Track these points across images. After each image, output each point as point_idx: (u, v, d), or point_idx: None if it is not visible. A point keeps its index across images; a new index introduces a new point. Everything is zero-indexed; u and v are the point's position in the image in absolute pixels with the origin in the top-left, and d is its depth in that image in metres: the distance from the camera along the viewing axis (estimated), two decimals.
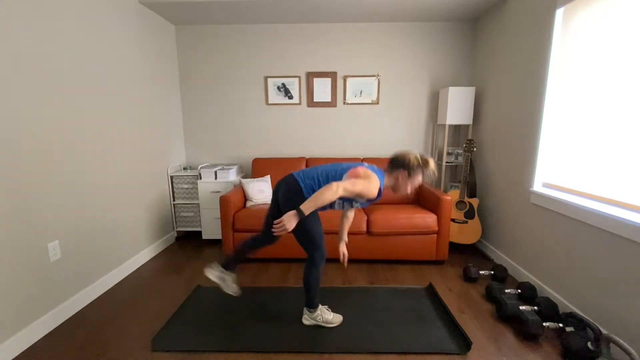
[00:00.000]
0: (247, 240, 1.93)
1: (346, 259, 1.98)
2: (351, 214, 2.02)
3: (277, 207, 1.78)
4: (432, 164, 1.64)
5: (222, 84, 3.34)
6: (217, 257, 2.86)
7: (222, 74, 3.32)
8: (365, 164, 1.70)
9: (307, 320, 1.86)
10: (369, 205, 1.72)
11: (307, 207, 1.49)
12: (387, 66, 3.25)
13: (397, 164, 1.65)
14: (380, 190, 1.60)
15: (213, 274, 1.90)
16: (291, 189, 1.67)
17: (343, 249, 1.98)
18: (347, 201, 1.68)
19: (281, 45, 3.25)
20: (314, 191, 1.63)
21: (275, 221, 1.53)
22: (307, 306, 1.84)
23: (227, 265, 1.93)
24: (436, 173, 1.59)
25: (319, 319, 1.83)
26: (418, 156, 1.63)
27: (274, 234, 1.56)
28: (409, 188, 1.66)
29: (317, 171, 1.69)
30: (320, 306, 1.86)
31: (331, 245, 2.63)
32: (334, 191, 1.47)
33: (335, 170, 1.67)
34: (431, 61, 3.23)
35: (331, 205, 1.69)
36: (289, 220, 1.49)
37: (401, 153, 1.66)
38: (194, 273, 2.54)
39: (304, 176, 1.69)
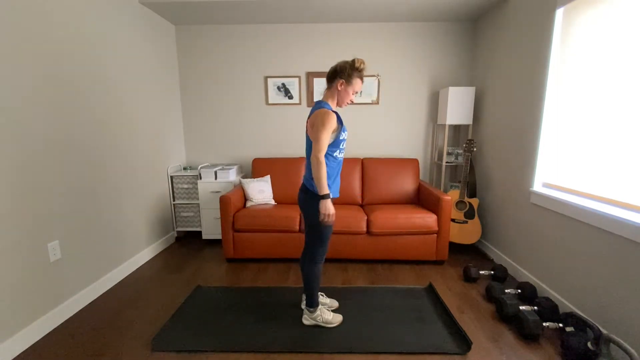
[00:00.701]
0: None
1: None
2: None
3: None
4: (362, 62, 1.61)
5: (222, 84, 3.34)
6: (216, 257, 2.86)
7: (222, 74, 3.32)
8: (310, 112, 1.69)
9: (307, 320, 1.86)
10: (345, 135, 1.69)
11: (321, 190, 1.58)
12: (387, 66, 3.25)
13: (332, 76, 1.65)
14: (337, 115, 1.61)
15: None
16: (302, 192, 1.74)
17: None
18: (333, 149, 1.65)
19: (281, 45, 3.25)
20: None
21: (320, 220, 1.62)
22: (307, 305, 1.84)
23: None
24: (365, 63, 1.62)
25: (319, 319, 1.83)
26: (348, 60, 1.63)
27: (328, 224, 1.65)
28: (351, 94, 1.66)
29: (307, 161, 1.75)
30: (320, 306, 1.86)
31: (332, 244, 2.63)
32: (316, 162, 1.55)
33: (308, 147, 1.70)
34: (431, 61, 3.23)
35: (338, 166, 1.71)
36: (324, 208, 1.59)
37: (333, 66, 1.66)
38: (194, 273, 2.54)
39: (308, 176, 1.72)
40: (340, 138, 1.65)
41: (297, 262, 2.73)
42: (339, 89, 1.65)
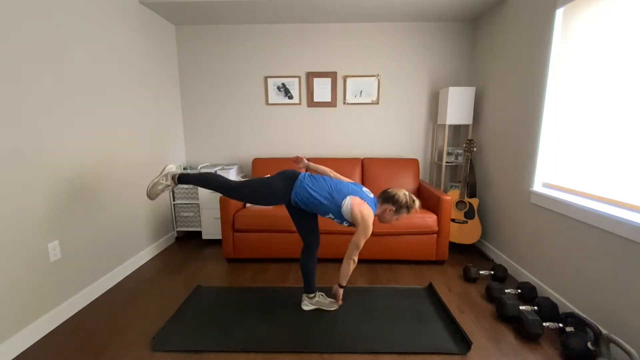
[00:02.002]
0: (302, 258, 1.96)
1: (340, 299, 2.04)
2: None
3: (298, 214, 1.91)
4: (417, 204, 1.82)
5: (222, 84, 3.34)
6: (216, 257, 2.86)
7: (222, 74, 3.32)
8: (364, 188, 1.86)
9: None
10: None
11: (344, 280, 1.88)
12: (387, 66, 3.25)
13: (387, 199, 1.82)
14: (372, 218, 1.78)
15: (307, 305, 1.99)
16: (309, 199, 1.80)
17: (338, 291, 2.02)
18: (342, 219, 1.81)
19: (281, 45, 3.25)
20: (329, 195, 1.77)
21: (336, 300, 1.98)
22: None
23: (309, 290, 1.99)
24: (418, 211, 1.95)
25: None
26: (407, 196, 1.81)
27: (337, 301, 1.97)
28: (393, 221, 1.87)
29: (326, 183, 1.83)
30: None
31: (331, 244, 2.63)
32: (353, 263, 1.80)
33: (339, 189, 1.79)
34: (431, 61, 3.23)
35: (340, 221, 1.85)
36: (339, 295, 1.96)
37: (393, 190, 1.84)
38: (194, 273, 2.54)
39: (312, 181, 1.82)
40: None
41: (297, 262, 2.73)
42: (386, 212, 1.83)
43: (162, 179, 1.92)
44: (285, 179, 1.81)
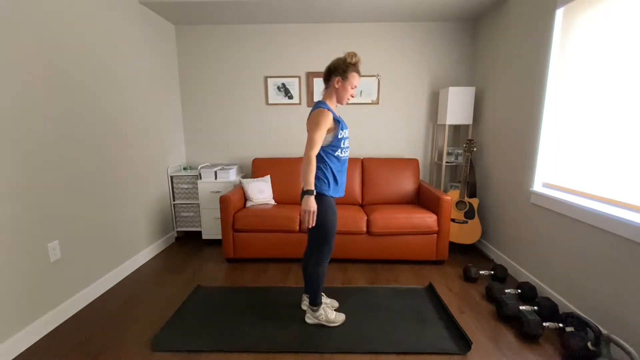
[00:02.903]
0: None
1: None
2: None
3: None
4: (354, 57, 1.61)
5: (222, 83, 3.34)
6: (216, 257, 2.86)
7: (222, 74, 3.32)
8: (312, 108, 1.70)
9: (310, 319, 1.87)
10: (346, 133, 1.70)
11: (306, 185, 1.56)
12: (387, 66, 3.25)
13: (327, 75, 1.66)
14: (333, 114, 1.61)
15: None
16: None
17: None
18: (334, 148, 1.67)
19: (281, 45, 3.25)
20: (325, 175, 1.68)
21: (300, 218, 1.56)
22: (310, 304, 1.84)
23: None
24: (357, 56, 1.61)
25: (322, 318, 1.83)
26: (343, 56, 1.63)
27: (310, 226, 1.61)
28: (350, 89, 1.65)
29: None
30: (323, 305, 1.86)
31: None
32: (307, 157, 1.55)
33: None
34: (431, 61, 3.23)
35: (342, 166, 1.71)
36: (307, 204, 1.56)
37: (328, 65, 1.67)
38: (194, 273, 2.54)
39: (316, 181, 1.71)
40: (340, 137, 1.66)
41: (298, 262, 2.73)
42: (336, 86, 1.65)
43: (317, 319, 1.85)
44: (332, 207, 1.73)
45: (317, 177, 1.69)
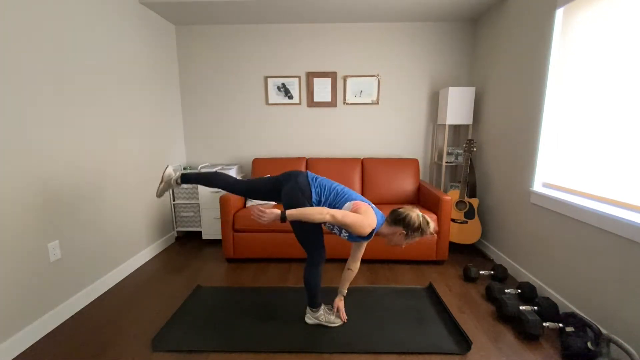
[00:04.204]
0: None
1: (343, 314, 1.89)
2: (354, 267, 1.91)
3: (274, 190, 1.81)
4: (432, 226, 1.61)
5: (222, 84, 3.34)
6: (216, 257, 2.86)
7: (222, 74, 3.32)
8: (372, 205, 1.68)
9: (309, 319, 1.86)
10: (358, 242, 1.72)
11: (292, 215, 1.50)
12: (387, 66, 3.25)
13: (398, 220, 1.61)
14: (372, 232, 1.60)
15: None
16: (301, 188, 1.69)
17: (339, 303, 1.91)
18: (336, 227, 1.70)
19: (281, 45, 3.25)
20: (318, 201, 1.68)
21: (260, 208, 1.52)
22: (309, 305, 1.84)
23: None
24: (435, 235, 1.64)
25: (322, 318, 1.84)
26: (421, 217, 1.60)
27: (251, 216, 1.58)
28: (404, 245, 1.66)
29: (330, 184, 1.73)
30: (322, 306, 1.87)
31: (332, 245, 2.63)
32: (321, 215, 1.49)
33: (344, 194, 1.68)
34: (431, 61, 3.23)
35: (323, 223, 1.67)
36: (269, 217, 1.51)
37: (405, 210, 1.63)
38: (194, 273, 2.54)
39: (317, 183, 1.72)
40: (358, 237, 1.65)
41: (298, 262, 2.73)
42: (396, 234, 1.62)
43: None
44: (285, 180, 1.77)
45: (317, 197, 1.68)
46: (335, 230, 1.72)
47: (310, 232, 1.72)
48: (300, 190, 1.68)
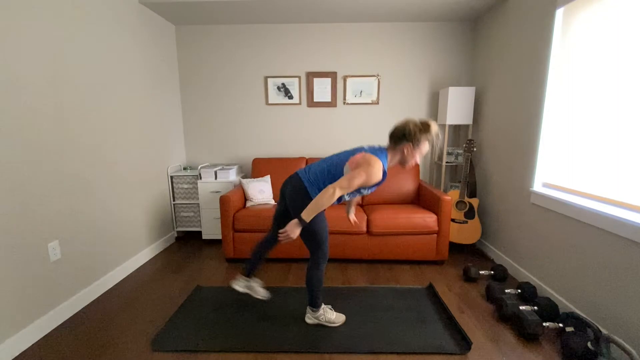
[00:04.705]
0: (259, 244, 1.96)
1: (355, 220, 1.97)
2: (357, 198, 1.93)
3: (285, 207, 1.80)
4: (434, 127, 1.55)
5: (222, 83, 3.34)
6: (216, 257, 2.86)
7: (222, 74, 3.32)
8: (366, 147, 1.62)
9: (310, 319, 1.86)
10: (377, 188, 1.67)
11: (307, 214, 1.49)
12: (387, 66, 3.25)
13: (399, 137, 1.57)
14: (384, 172, 1.56)
15: (239, 284, 1.94)
16: (296, 188, 1.66)
17: (352, 217, 1.98)
18: (353, 193, 1.64)
19: (281, 45, 3.25)
20: (319, 189, 1.63)
21: (280, 231, 1.54)
22: (310, 305, 1.84)
23: (249, 273, 1.94)
24: (440, 135, 1.54)
25: (322, 318, 1.83)
26: (418, 122, 1.55)
27: (280, 241, 1.59)
28: (417, 159, 1.60)
29: (322, 166, 1.68)
30: (323, 305, 1.86)
31: (332, 245, 2.63)
32: (329, 194, 1.47)
33: (336, 163, 1.64)
34: (431, 61, 3.23)
35: (339, 200, 1.65)
36: (293, 229, 1.51)
37: (400, 124, 1.58)
38: (194, 273, 2.54)
39: (308, 174, 1.68)
40: (367, 188, 1.61)
41: (298, 262, 2.73)
42: (405, 152, 1.58)
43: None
44: (283, 194, 1.75)
45: (318, 187, 1.62)
46: (355, 194, 1.65)
47: (316, 233, 1.69)
48: (298, 192, 1.66)
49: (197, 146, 3.48)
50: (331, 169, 1.64)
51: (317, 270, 1.76)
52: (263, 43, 3.25)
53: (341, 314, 1.90)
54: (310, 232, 1.68)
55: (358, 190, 1.62)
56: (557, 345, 1.69)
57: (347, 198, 1.67)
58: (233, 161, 3.50)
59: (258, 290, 2.03)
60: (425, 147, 1.58)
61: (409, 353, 1.63)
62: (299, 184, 1.66)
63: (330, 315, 1.85)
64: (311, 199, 1.61)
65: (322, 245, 1.73)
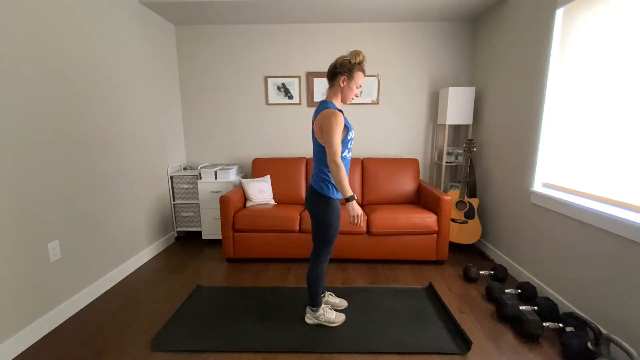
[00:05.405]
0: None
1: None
2: None
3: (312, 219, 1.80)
4: (360, 54, 1.58)
5: (222, 83, 3.34)
6: (216, 257, 2.86)
7: (222, 74, 3.32)
8: (314, 113, 1.68)
9: (309, 319, 1.86)
10: (352, 134, 1.67)
11: (345, 192, 1.55)
12: (387, 66, 3.25)
13: (333, 74, 1.62)
14: (342, 114, 1.59)
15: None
16: (308, 192, 1.75)
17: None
18: (342, 149, 1.65)
19: (281, 45, 3.25)
20: (322, 180, 1.67)
21: (350, 222, 1.59)
22: (309, 305, 1.84)
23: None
24: (363, 54, 1.59)
25: (322, 318, 1.83)
26: (346, 54, 1.60)
27: (357, 226, 1.62)
28: (355, 89, 1.64)
29: (315, 162, 1.74)
30: (323, 305, 1.86)
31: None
32: (334, 167, 1.53)
33: (316, 146, 1.69)
34: (431, 61, 3.23)
35: (346, 162, 1.68)
36: (353, 210, 1.58)
37: (332, 63, 1.64)
38: (194, 273, 2.54)
39: (316, 177, 1.72)
40: (348, 138, 1.64)
41: (298, 262, 2.73)
42: (342, 85, 1.62)
43: (318, 320, 1.86)
44: (309, 201, 1.75)
45: (322, 180, 1.68)
46: (348, 149, 1.67)
47: (330, 227, 1.70)
48: (310, 193, 1.74)
49: (197, 146, 3.48)
50: (315, 152, 1.71)
51: (318, 268, 1.77)
52: (263, 43, 3.25)
53: (341, 314, 1.90)
54: (326, 225, 1.70)
55: (345, 145, 1.65)
56: (557, 345, 1.69)
57: (348, 156, 1.69)
58: (233, 161, 3.50)
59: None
60: (359, 76, 1.61)
61: (409, 353, 1.63)
62: (309, 188, 1.74)
63: (330, 315, 1.85)
64: (324, 196, 1.67)
65: (329, 243, 1.75)
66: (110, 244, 2.34)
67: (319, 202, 1.69)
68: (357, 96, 1.68)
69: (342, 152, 1.65)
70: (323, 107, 1.62)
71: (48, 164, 1.82)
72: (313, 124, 1.66)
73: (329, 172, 1.65)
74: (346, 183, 1.54)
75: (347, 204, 1.57)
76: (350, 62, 1.59)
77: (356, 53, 1.59)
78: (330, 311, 1.87)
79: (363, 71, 1.63)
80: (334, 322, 1.84)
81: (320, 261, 1.77)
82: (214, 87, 3.34)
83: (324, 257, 1.77)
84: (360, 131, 3.38)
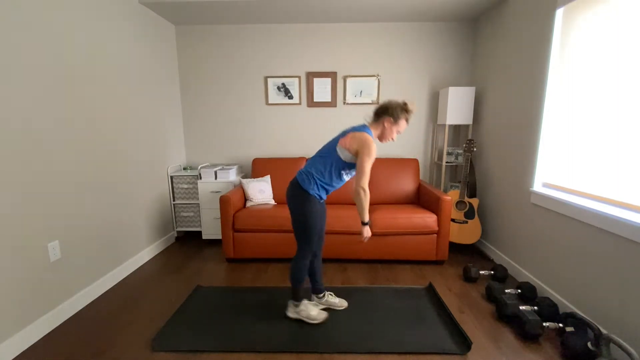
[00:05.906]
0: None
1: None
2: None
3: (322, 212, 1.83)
4: (412, 107, 1.71)
5: (222, 84, 3.34)
6: (216, 257, 2.86)
7: (222, 74, 3.32)
8: (350, 128, 1.74)
9: (291, 313, 1.89)
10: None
11: (363, 217, 1.71)
12: (387, 66, 3.25)
13: (382, 112, 1.72)
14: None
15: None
16: (291, 185, 1.77)
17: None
18: (345, 169, 1.73)
19: (281, 45, 3.25)
20: (312, 178, 1.70)
21: (361, 239, 1.78)
22: (292, 299, 1.88)
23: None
24: (414, 105, 1.73)
25: (303, 313, 1.86)
26: (400, 102, 1.72)
27: (365, 241, 1.81)
28: (395, 134, 1.75)
29: (312, 158, 1.77)
30: (305, 301, 1.88)
31: (332, 244, 2.63)
32: (363, 192, 1.64)
33: (327, 148, 1.73)
34: (431, 61, 3.23)
35: (340, 178, 1.74)
36: (367, 232, 1.75)
37: (384, 102, 1.74)
38: (194, 273, 2.54)
39: (301, 172, 1.74)
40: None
41: None
42: (385, 126, 1.72)
43: (298, 315, 1.88)
44: (290, 197, 1.76)
45: (309, 174, 1.71)
46: (346, 176, 1.76)
47: (310, 227, 1.73)
48: (292, 187, 1.75)
49: (197, 146, 3.48)
50: (323, 154, 1.74)
51: (301, 263, 1.79)
52: (263, 43, 3.25)
53: (323, 312, 1.90)
54: (305, 225, 1.73)
55: (351, 168, 1.73)
56: (557, 345, 1.69)
57: (346, 178, 1.77)
58: (233, 161, 3.50)
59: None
60: (402, 124, 1.73)
61: (409, 353, 1.63)
62: (294, 181, 1.76)
63: (312, 312, 1.86)
64: (304, 190, 1.70)
65: (310, 240, 1.77)
66: (110, 244, 2.34)
67: (297, 197, 1.72)
68: (393, 139, 1.78)
69: (346, 172, 1.73)
70: (364, 129, 1.69)
71: (48, 164, 1.82)
72: (345, 134, 1.70)
73: (321, 176, 1.70)
74: (367, 210, 1.69)
75: (362, 227, 1.74)
76: (401, 109, 1.69)
77: (409, 103, 1.71)
78: (313, 308, 1.88)
79: (407, 120, 1.73)
80: (315, 319, 1.85)
81: (299, 256, 1.79)
82: (214, 87, 3.34)
83: (307, 253, 1.79)
84: None
